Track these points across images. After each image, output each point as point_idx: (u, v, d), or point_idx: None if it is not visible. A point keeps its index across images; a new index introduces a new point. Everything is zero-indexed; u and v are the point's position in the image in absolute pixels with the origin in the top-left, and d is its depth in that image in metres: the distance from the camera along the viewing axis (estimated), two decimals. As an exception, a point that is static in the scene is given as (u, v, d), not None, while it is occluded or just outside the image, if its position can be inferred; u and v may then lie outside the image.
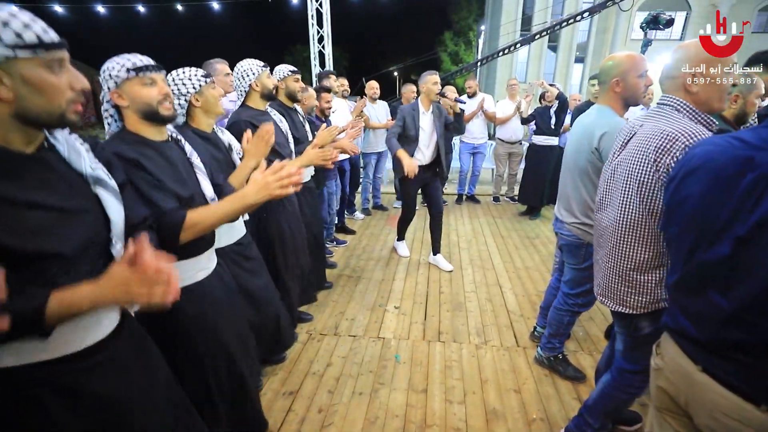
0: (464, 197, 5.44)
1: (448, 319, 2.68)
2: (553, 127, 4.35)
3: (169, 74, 1.50)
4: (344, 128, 3.16)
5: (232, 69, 2.20)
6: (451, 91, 3.99)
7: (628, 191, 1.27)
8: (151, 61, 1.19)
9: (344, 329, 2.55)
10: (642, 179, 1.22)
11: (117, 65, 1.13)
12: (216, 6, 13.84)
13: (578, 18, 11.69)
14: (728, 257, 0.77)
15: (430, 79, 3.00)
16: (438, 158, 3.23)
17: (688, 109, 1.21)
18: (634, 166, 1.25)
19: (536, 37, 12.28)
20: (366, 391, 2.00)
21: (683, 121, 1.18)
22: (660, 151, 1.17)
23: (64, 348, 0.80)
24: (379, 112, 4.45)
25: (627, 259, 1.29)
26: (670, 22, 2.89)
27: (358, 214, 4.74)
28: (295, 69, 2.45)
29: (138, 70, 1.14)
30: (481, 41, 26.63)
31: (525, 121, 4.58)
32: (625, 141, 1.36)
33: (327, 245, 3.70)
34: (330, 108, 3.26)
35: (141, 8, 14.26)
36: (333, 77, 3.72)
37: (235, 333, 1.43)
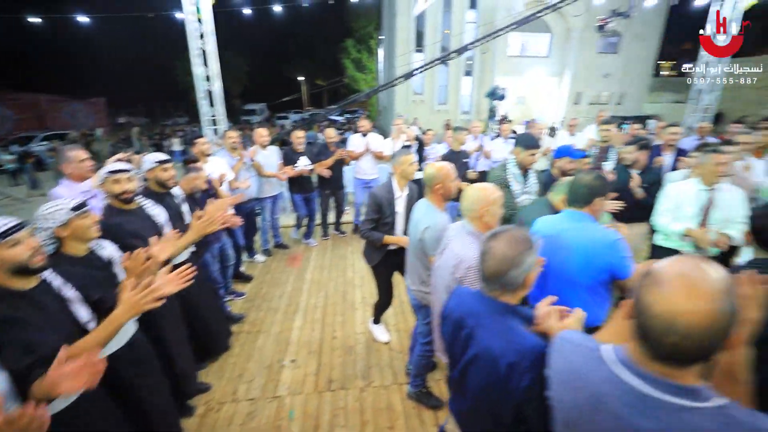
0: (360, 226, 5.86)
1: (339, 365, 3.04)
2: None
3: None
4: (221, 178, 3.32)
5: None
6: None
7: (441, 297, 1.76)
8: (11, 223, 1.32)
9: (242, 393, 2.75)
10: (447, 285, 1.71)
11: None
12: (86, 20, 12.35)
13: (476, 43, 12.80)
14: (457, 381, 1.24)
15: (406, 160, 2.78)
16: None
17: (477, 234, 1.73)
18: (443, 273, 1.75)
19: (450, 57, 12.87)
20: (260, 457, 2.26)
21: (474, 246, 1.67)
22: (453, 268, 1.67)
23: None
24: (270, 159, 4.62)
25: None
26: (502, 96, 3.63)
27: (259, 257, 4.87)
28: (164, 158, 2.55)
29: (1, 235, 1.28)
30: (381, 51, 27.71)
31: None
32: (444, 247, 1.85)
33: (225, 299, 3.80)
34: (201, 188, 3.11)
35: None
36: (202, 140, 3.74)
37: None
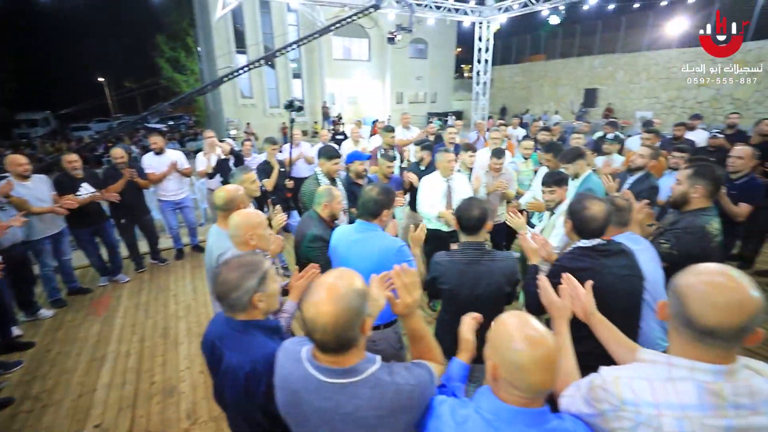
0: (184, 250, 5.37)
1: (158, 412, 2.76)
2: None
3: None
4: None
5: None
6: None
7: None
8: None
9: (21, 488, 2.25)
10: None
11: None
12: None
13: (295, 46, 12.61)
14: (219, 396, 1.33)
15: (248, 178, 2.85)
16: None
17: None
18: None
19: (261, 63, 12.34)
20: None
21: None
22: None
23: None
24: (38, 190, 3.76)
25: None
26: (300, 108, 3.83)
27: (45, 312, 3.94)
28: None
29: None
30: (201, 49, 25.31)
31: (211, 176, 4.89)
32: None
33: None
34: None
35: None
36: None
37: None
